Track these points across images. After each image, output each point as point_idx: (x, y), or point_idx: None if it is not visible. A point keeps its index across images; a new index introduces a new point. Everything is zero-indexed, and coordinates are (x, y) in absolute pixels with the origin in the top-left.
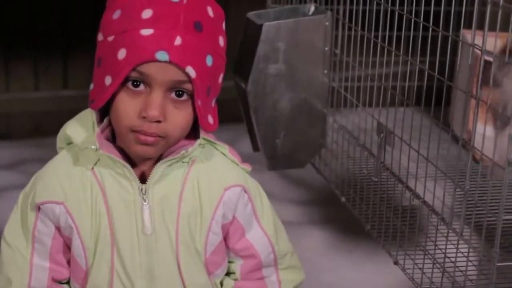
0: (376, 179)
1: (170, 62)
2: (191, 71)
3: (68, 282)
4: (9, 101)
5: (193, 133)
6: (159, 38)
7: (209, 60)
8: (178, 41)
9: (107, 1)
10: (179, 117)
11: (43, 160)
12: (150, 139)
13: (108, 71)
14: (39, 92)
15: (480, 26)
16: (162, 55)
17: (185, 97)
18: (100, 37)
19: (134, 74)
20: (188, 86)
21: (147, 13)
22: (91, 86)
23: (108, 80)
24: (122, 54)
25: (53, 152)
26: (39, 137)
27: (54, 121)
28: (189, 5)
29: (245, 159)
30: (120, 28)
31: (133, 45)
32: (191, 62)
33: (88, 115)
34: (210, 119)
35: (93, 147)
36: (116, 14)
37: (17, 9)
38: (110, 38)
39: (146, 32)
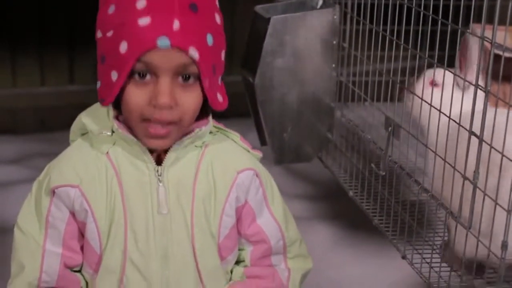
0: (384, 173)
1: (172, 47)
2: (194, 52)
3: (80, 270)
4: (15, 96)
5: (202, 115)
6: (157, 25)
7: (209, 39)
8: (176, 25)
9: None
10: (189, 100)
11: (49, 155)
12: (160, 131)
13: (113, 66)
14: (45, 87)
15: (490, 20)
16: (163, 41)
17: (192, 79)
18: (98, 34)
19: (139, 66)
20: (193, 69)
21: (141, 3)
22: (98, 84)
23: (114, 76)
24: (123, 47)
25: (60, 146)
26: (45, 131)
27: (60, 115)
28: None
29: None
30: (117, 21)
31: (133, 36)
32: (193, 43)
33: (101, 107)
34: (220, 97)
35: (108, 133)
36: (111, 9)
37: (23, 4)
38: (109, 34)
39: (144, 21)
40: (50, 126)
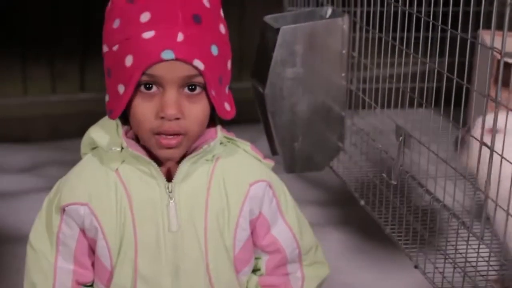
0: (395, 183)
1: (176, 59)
2: (198, 64)
3: (91, 286)
4: (26, 104)
5: (210, 124)
6: (161, 38)
7: (214, 50)
8: (180, 37)
9: (105, 13)
10: (196, 110)
11: (61, 163)
12: (172, 141)
13: (119, 80)
14: (56, 95)
15: (499, 27)
16: (167, 54)
17: (198, 90)
18: (105, 48)
19: (144, 78)
20: (200, 79)
21: (145, 16)
22: (106, 98)
23: (121, 89)
24: (129, 61)
25: (71, 154)
26: (57, 140)
27: (72, 124)
28: (184, 0)
29: None
30: (123, 36)
31: (138, 50)
32: (197, 55)
33: (110, 121)
34: (227, 107)
35: (118, 149)
36: (116, 23)
37: (34, 13)
38: (115, 48)
39: (148, 34)
40: (62, 134)
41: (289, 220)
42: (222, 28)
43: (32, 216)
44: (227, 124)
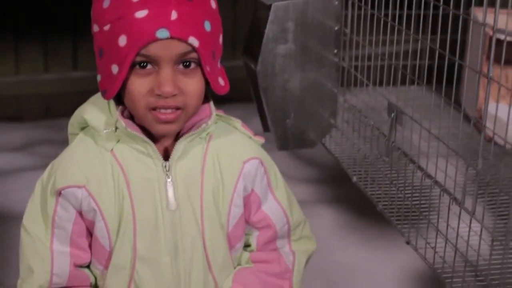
0: (387, 159)
1: (171, 37)
2: (193, 41)
3: (88, 267)
4: (19, 83)
5: (203, 100)
6: (155, 17)
7: (207, 26)
8: (174, 15)
9: None
10: (192, 86)
11: (53, 142)
12: (170, 116)
13: (113, 60)
14: (48, 74)
15: (492, 4)
16: (162, 33)
17: (193, 65)
18: (95, 28)
19: (139, 58)
20: (194, 55)
21: None
22: (98, 77)
23: (115, 69)
24: (122, 40)
25: (64, 133)
26: (50, 118)
27: (64, 102)
28: None
29: None
30: (114, 15)
31: (132, 30)
32: (192, 32)
33: (102, 98)
34: (221, 81)
35: (112, 129)
36: (106, 3)
37: None
38: (106, 27)
39: (141, 14)
40: (55, 112)
41: (279, 196)
42: (213, 3)
43: (24, 194)
44: (220, 102)
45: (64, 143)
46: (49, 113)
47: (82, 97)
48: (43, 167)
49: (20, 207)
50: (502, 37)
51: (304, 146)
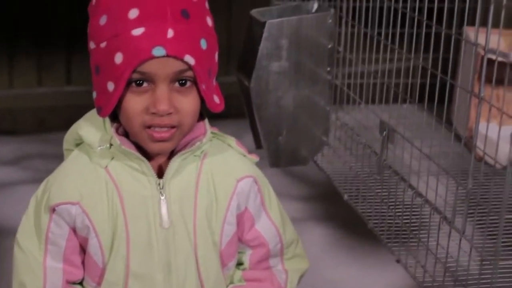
0: (379, 177)
1: (167, 55)
2: (189, 59)
3: (81, 283)
4: (12, 96)
5: (198, 118)
6: (151, 35)
7: (203, 44)
8: (170, 33)
9: (89, 9)
10: (187, 104)
11: (47, 156)
12: (165, 134)
13: (109, 77)
14: (42, 88)
15: (484, 23)
16: (158, 51)
17: (188, 84)
18: (91, 45)
19: (135, 75)
20: (189, 73)
21: (134, 13)
22: (94, 94)
23: (110, 86)
24: (118, 58)
25: (58, 147)
26: (43, 132)
27: (58, 116)
28: None
29: None
30: (111, 33)
31: (128, 47)
32: (188, 50)
33: (96, 116)
34: (216, 99)
35: (107, 145)
36: (103, 20)
37: (21, 5)
38: (103, 45)
39: (137, 31)
40: (48, 126)
41: (273, 215)
42: (209, 21)
43: (17, 208)
44: (213, 118)
45: (58, 157)
46: (42, 127)
47: (75, 111)
48: (37, 181)
49: (13, 221)
50: (493, 57)
51: (296, 164)
